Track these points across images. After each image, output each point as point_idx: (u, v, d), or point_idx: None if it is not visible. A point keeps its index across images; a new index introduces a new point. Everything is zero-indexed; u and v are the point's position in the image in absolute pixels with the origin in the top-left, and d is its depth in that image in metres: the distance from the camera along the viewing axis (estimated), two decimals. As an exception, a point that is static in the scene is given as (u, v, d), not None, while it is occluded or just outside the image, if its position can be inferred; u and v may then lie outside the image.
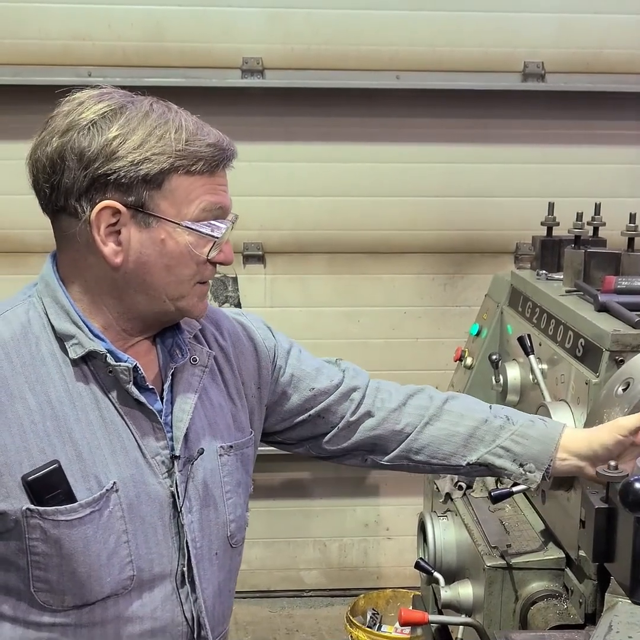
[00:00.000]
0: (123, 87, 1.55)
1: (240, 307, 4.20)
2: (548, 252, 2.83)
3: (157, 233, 1.44)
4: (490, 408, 1.82)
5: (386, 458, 1.81)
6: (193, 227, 1.45)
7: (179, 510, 1.51)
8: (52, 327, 1.46)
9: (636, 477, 1.36)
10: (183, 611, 1.53)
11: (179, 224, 1.44)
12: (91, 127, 1.40)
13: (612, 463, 1.53)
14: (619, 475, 1.46)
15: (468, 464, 1.78)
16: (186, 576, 1.53)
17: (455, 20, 4.04)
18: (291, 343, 1.79)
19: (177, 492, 1.50)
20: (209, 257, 1.49)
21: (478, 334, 3.03)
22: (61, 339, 1.46)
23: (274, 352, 1.74)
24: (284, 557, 4.50)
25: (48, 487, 1.39)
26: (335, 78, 4.02)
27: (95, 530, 1.43)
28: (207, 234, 1.47)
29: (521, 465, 1.76)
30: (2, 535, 1.42)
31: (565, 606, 2.07)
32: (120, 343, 1.50)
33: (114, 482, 1.44)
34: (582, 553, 1.96)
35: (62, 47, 3.91)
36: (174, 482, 1.50)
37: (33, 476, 1.39)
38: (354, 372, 1.82)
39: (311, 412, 1.75)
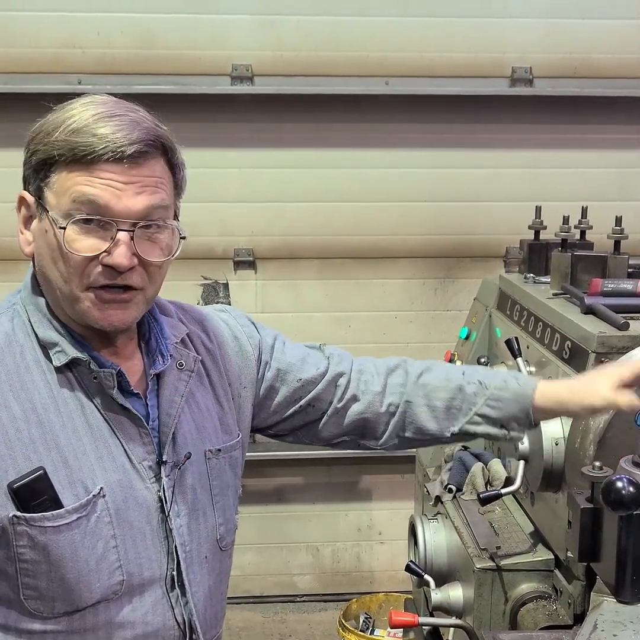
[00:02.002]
0: (113, 95, 1.55)
1: (232, 313, 4.21)
2: (536, 256, 2.85)
3: (44, 224, 1.43)
4: (463, 374, 1.81)
5: (380, 442, 1.81)
6: (54, 216, 1.40)
7: (167, 514, 1.50)
8: (36, 334, 1.47)
9: (618, 477, 1.38)
10: (174, 615, 1.53)
11: (48, 213, 1.41)
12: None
13: (597, 463, 1.54)
14: (603, 475, 1.48)
15: (452, 434, 1.78)
16: (176, 580, 1.52)
17: (444, 26, 4.06)
18: (275, 336, 1.78)
19: (165, 496, 1.50)
20: (81, 254, 1.39)
21: (467, 338, 3.05)
22: (45, 346, 1.46)
23: (259, 350, 1.73)
24: (276, 562, 4.49)
25: (34, 494, 1.39)
26: (325, 84, 4.04)
27: (83, 536, 1.42)
28: (53, 222, 1.40)
29: (503, 427, 1.76)
30: None
31: (555, 607, 2.08)
32: (102, 348, 1.50)
33: (101, 488, 1.44)
34: (570, 554, 1.97)
35: (52, 55, 3.92)
36: (162, 486, 1.50)
37: (18, 483, 1.38)
38: (338, 357, 1.81)
39: (302, 402, 1.75)
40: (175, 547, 1.52)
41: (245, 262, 4.21)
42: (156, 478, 1.50)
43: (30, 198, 1.45)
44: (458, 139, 4.16)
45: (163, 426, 1.52)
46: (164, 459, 1.51)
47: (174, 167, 1.52)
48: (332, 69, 4.05)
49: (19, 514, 1.39)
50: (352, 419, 1.77)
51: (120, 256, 1.40)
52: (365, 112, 4.11)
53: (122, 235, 1.40)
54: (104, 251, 1.40)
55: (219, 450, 1.61)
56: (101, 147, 1.38)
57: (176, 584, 1.53)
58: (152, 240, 1.45)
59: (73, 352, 1.45)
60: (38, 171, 1.42)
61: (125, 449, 1.47)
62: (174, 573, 1.52)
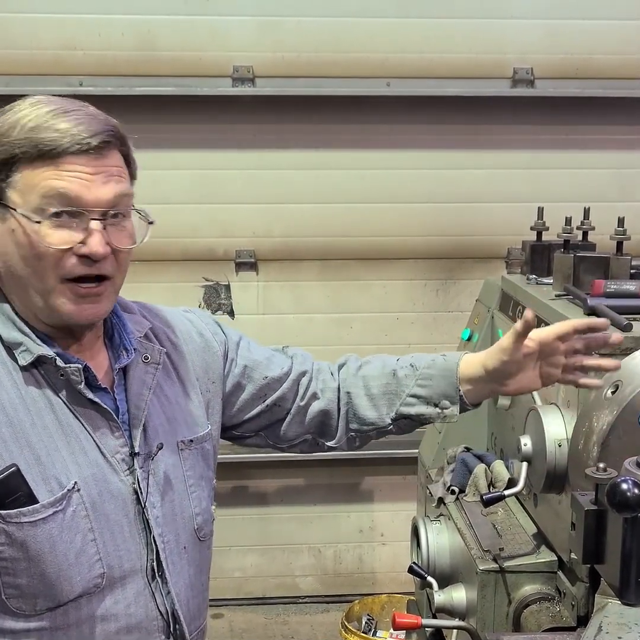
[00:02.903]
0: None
1: (233, 315, 4.21)
2: (538, 257, 2.84)
3: (9, 223, 1.44)
4: (398, 360, 1.85)
5: (335, 439, 1.84)
6: (25, 213, 1.42)
7: (143, 505, 1.52)
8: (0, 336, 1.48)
9: (623, 478, 1.37)
10: (157, 605, 1.55)
11: (16, 211, 1.42)
12: None
13: (601, 465, 1.54)
14: (607, 477, 1.47)
15: (392, 420, 1.80)
16: (156, 570, 1.54)
17: (445, 26, 4.07)
18: (240, 336, 1.82)
19: (140, 488, 1.52)
20: (55, 247, 1.42)
21: (469, 339, 3.04)
22: (9, 347, 1.47)
23: (225, 346, 1.76)
24: (279, 564, 4.50)
25: (8, 491, 1.40)
26: (326, 85, 4.04)
27: (60, 530, 1.44)
28: (28, 218, 1.41)
29: (436, 405, 1.77)
30: None
31: (558, 609, 2.08)
32: (67, 346, 1.52)
33: (75, 482, 1.45)
34: (574, 556, 1.97)
35: (53, 56, 3.92)
36: (136, 478, 1.52)
37: None
38: (301, 357, 1.85)
39: (267, 401, 1.78)
40: (154, 537, 1.54)
41: (247, 263, 4.21)
42: (130, 470, 1.53)
43: None
44: (459, 139, 4.16)
45: (133, 419, 1.54)
46: (136, 451, 1.53)
47: (128, 158, 1.53)
48: (333, 70, 4.05)
49: None
50: (313, 417, 1.82)
51: (96, 245, 1.43)
52: (367, 113, 4.11)
53: (95, 225, 1.44)
54: (79, 242, 1.43)
55: (191, 440, 1.64)
56: (66, 140, 1.40)
57: (157, 574, 1.54)
58: (120, 228, 1.48)
59: (38, 350, 1.46)
60: None
61: (96, 443, 1.49)
62: (154, 563, 1.54)
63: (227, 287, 4.22)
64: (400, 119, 4.13)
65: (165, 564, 1.55)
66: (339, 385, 1.83)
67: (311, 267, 4.25)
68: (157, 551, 1.54)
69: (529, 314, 1.68)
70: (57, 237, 1.42)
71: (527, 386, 1.76)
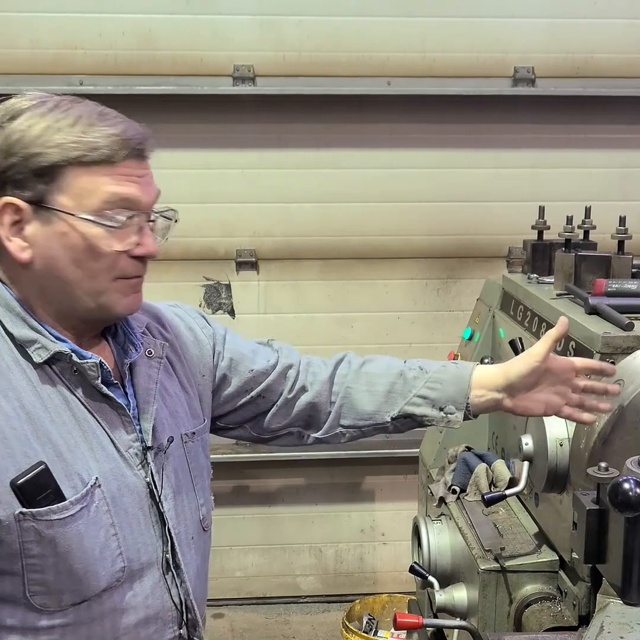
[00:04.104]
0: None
1: (234, 314, 4.21)
2: (539, 256, 2.85)
3: (58, 227, 1.43)
4: (405, 362, 1.86)
5: (320, 432, 1.85)
6: (89, 217, 1.43)
7: (157, 499, 1.54)
8: (10, 335, 1.47)
9: (625, 478, 1.37)
10: (171, 597, 1.57)
11: (74, 216, 1.42)
12: None
13: (603, 464, 1.54)
14: (609, 476, 1.47)
15: (392, 418, 1.81)
16: (171, 562, 1.57)
17: (446, 26, 4.06)
18: (226, 329, 1.83)
19: (154, 481, 1.54)
20: (118, 249, 1.45)
21: (470, 338, 3.04)
22: (22, 345, 1.47)
23: (212, 340, 1.77)
24: (280, 564, 4.49)
25: (38, 489, 1.41)
26: (327, 85, 4.04)
27: (87, 526, 1.45)
28: (103, 225, 1.43)
29: (441, 409, 1.79)
30: None
31: (560, 608, 2.07)
32: (78, 342, 1.52)
33: (96, 478, 1.47)
34: (575, 555, 1.97)
35: (53, 56, 3.92)
36: (149, 472, 1.54)
37: (22, 479, 1.40)
38: (287, 351, 1.87)
39: (253, 393, 1.80)
40: (168, 529, 1.56)
41: (248, 262, 4.21)
42: (142, 465, 1.54)
43: (22, 204, 1.42)
44: (460, 139, 4.16)
45: (143, 413, 1.56)
46: (149, 445, 1.54)
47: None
48: (334, 69, 4.05)
49: (25, 510, 1.40)
50: (300, 409, 1.83)
51: (152, 245, 1.49)
52: (368, 113, 4.11)
53: (151, 226, 1.49)
54: (137, 243, 1.47)
55: (194, 433, 1.67)
56: (126, 144, 1.43)
57: (171, 565, 1.57)
58: (152, 228, 1.52)
59: (54, 347, 1.46)
60: (41, 175, 1.41)
61: (111, 439, 1.51)
62: (169, 555, 1.56)
63: (228, 286, 4.22)
64: (401, 118, 4.12)
65: (180, 555, 1.58)
66: (331, 379, 1.84)
67: (312, 267, 4.24)
68: (172, 543, 1.56)
69: (563, 320, 1.76)
70: (118, 240, 1.45)
71: (531, 408, 1.78)
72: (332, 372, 1.85)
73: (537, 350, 1.74)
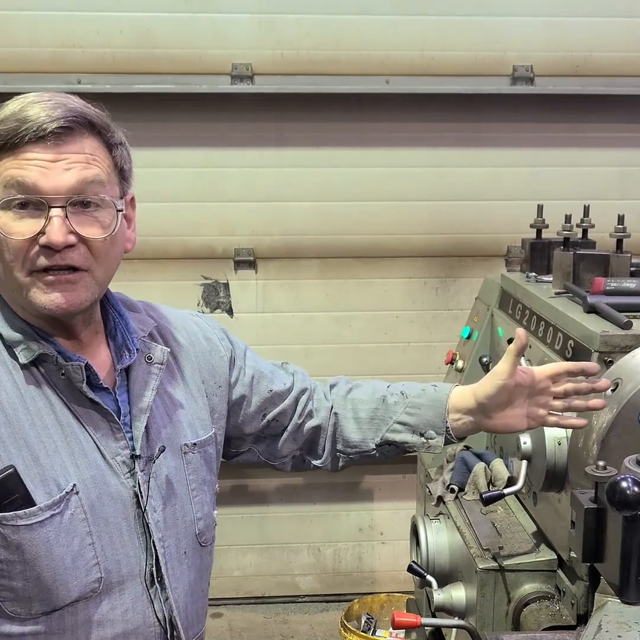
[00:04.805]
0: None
1: (232, 313, 4.20)
2: (537, 255, 2.84)
3: None
4: (388, 387, 1.85)
5: (321, 459, 1.84)
6: None
7: (143, 509, 1.50)
8: (0, 335, 1.46)
9: (623, 476, 1.36)
10: (154, 612, 1.52)
11: None
12: None
13: (601, 463, 1.53)
14: (607, 475, 1.47)
15: (376, 445, 1.81)
16: (155, 576, 1.52)
17: (444, 24, 4.06)
18: (246, 346, 1.81)
19: (140, 491, 1.50)
20: (16, 238, 1.39)
21: (469, 337, 3.04)
22: (10, 346, 1.46)
23: (231, 353, 1.75)
24: (278, 563, 4.49)
25: (5, 493, 1.38)
26: (325, 83, 4.03)
27: (57, 534, 1.42)
28: (3, 210, 1.39)
29: (421, 435, 1.78)
30: None
31: (558, 607, 2.07)
32: (67, 343, 1.50)
33: (74, 485, 1.43)
34: (573, 554, 1.96)
35: (51, 54, 3.91)
36: (137, 481, 1.50)
37: None
38: (301, 375, 1.86)
39: (268, 416, 1.78)
40: (154, 542, 1.51)
41: (246, 261, 4.20)
42: (131, 473, 1.50)
43: None
44: (459, 137, 4.15)
45: (135, 420, 1.52)
46: (137, 453, 1.50)
47: (110, 146, 1.49)
48: (332, 67, 4.04)
49: None
50: (306, 434, 1.82)
51: (54, 233, 1.39)
52: (366, 111, 4.10)
53: (55, 212, 1.40)
54: (40, 231, 1.40)
55: (195, 444, 1.62)
56: (23, 128, 1.38)
57: (156, 579, 1.52)
58: (90, 217, 1.44)
59: (39, 348, 1.44)
60: None
61: (97, 445, 1.47)
62: (153, 569, 1.51)
63: (226, 285, 4.21)
64: (399, 117, 4.12)
65: (164, 569, 1.52)
66: (331, 405, 1.83)
67: (310, 266, 4.24)
68: (157, 556, 1.51)
69: (520, 332, 1.71)
70: (19, 228, 1.40)
71: (512, 424, 1.76)
72: (330, 398, 1.85)
73: (500, 369, 1.71)
